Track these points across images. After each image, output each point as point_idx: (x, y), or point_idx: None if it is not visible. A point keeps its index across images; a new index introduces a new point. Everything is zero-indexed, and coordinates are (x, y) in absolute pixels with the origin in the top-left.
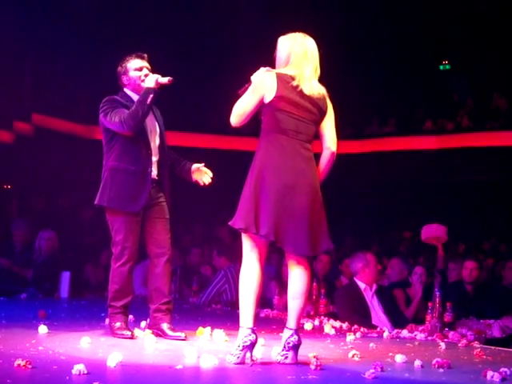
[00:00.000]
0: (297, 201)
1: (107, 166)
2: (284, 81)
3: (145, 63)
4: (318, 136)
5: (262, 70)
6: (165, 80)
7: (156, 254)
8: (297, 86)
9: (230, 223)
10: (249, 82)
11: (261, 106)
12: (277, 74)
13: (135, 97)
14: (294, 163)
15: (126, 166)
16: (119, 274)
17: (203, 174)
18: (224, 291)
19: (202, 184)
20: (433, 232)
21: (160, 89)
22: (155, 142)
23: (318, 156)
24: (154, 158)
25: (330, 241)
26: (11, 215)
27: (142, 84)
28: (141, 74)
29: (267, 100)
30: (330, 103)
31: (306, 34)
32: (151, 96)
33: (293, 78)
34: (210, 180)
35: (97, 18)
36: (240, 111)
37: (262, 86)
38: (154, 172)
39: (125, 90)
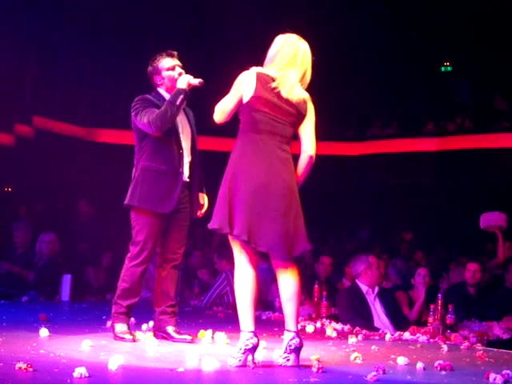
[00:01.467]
0: (271, 201)
1: (138, 165)
2: (263, 81)
3: (176, 61)
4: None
5: (254, 69)
6: (196, 82)
7: (166, 258)
8: (275, 88)
9: (208, 225)
10: None
11: (240, 106)
12: (257, 73)
13: (168, 96)
14: (270, 163)
15: (158, 166)
16: (131, 274)
17: (200, 209)
18: (225, 294)
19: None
20: (494, 220)
21: (191, 90)
22: (187, 142)
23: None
24: (187, 159)
25: (307, 242)
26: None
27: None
28: (174, 73)
29: (245, 100)
30: (313, 108)
31: (302, 38)
32: (181, 97)
33: (273, 80)
34: (199, 215)
35: (98, 20)
36: (221, 109)
37: (240, 85)
38: (186, 173)
39: (158, 89)
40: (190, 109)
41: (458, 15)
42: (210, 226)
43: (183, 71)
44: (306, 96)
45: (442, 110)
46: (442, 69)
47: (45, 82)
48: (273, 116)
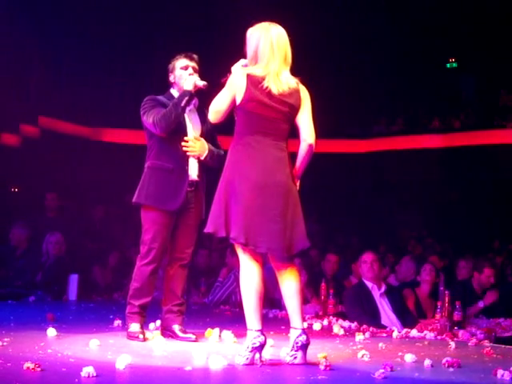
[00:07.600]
0: (268, 201)
1: (147, 164)
2: (255, 82)
3: (192, 63)
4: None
5: (243, 61)
6: (201, 84)
7: (175, 257)
8: (266, 88)
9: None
10: (230, 71)
11: (233, 106)
12: (247, 74)
13: None
14: (265, 164)
15: (164, 164)
16: (141, 273)
17: None
18: (233, 293)
19: None
20: None
21: (197, 93)
22: None
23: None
24: (195, 158)
25: (306, 240)
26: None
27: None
28: (185, 72)
29: (238, 101)
30: (307, 93)
31: (272, 22)
32: (186, 99)
33: (263, 78)
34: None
35: (103, 20)
36: (216, 108)
37: (233, 85)
38: (195, 172)
39: (170, 90)
40: (205, 107)
41: (463, 11)
42: (206, 229)
43: (194, 75)
44: (296, 84)
45: (448, 106)
46: (448, 65)
47: (50, 82)
48: (266, 116)
